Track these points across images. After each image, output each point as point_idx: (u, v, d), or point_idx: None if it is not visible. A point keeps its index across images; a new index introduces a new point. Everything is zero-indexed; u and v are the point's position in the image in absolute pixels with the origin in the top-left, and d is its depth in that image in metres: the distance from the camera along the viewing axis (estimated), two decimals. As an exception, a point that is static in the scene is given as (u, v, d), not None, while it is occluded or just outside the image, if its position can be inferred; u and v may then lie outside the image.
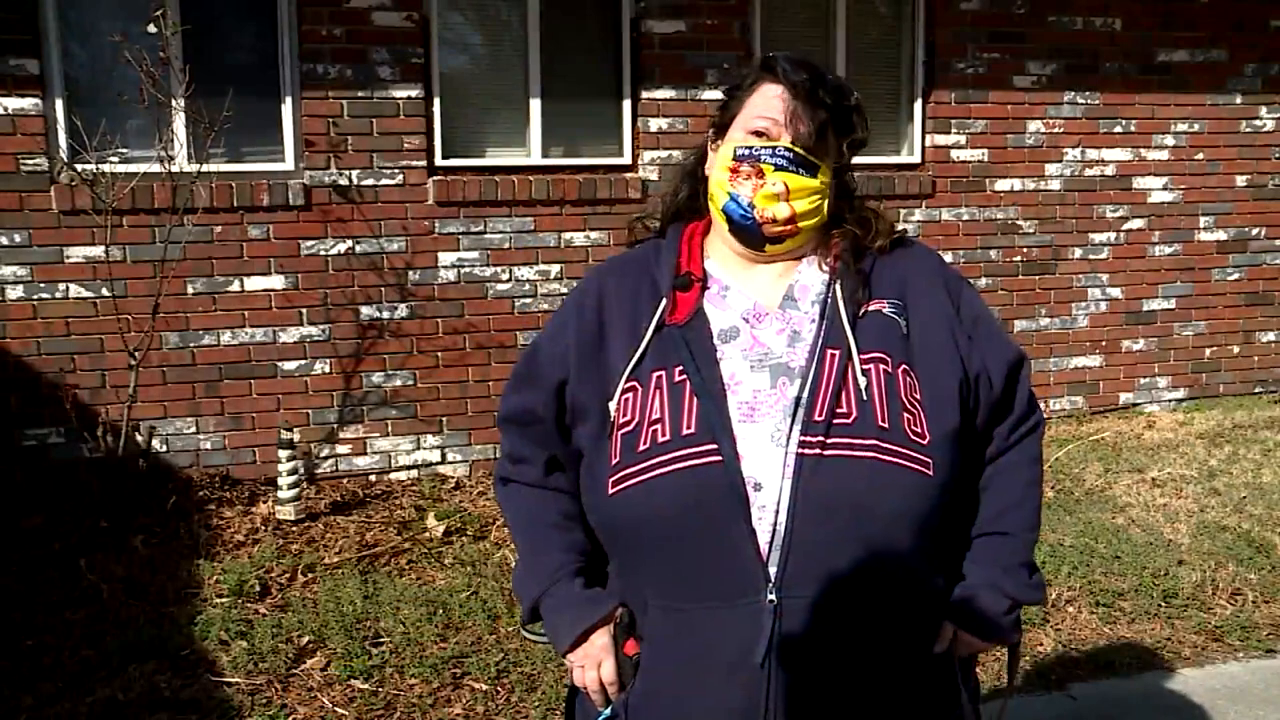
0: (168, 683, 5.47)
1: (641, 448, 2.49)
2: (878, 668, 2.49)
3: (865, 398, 2.47)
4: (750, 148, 2.60)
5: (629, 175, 8.88)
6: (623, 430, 2.53)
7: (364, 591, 6.43)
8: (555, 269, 8.76)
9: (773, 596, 2.40)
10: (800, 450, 2.43)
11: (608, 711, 2.64)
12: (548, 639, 2.74)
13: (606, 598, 2.66)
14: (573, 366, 2.64)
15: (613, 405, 2.56)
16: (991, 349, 2.67)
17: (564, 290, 8.65)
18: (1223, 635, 6.12)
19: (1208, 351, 10.64)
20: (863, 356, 2.51)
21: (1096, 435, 9.54)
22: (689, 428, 2.46)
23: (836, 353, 2.52)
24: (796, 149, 2.58)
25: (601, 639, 2.62)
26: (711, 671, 2.46)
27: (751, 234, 2.63)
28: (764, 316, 2.61)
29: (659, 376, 2.53)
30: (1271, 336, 10.79)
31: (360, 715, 5.27)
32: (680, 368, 2.52)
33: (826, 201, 2.66)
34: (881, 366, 2.52)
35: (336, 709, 5.32)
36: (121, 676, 5.50)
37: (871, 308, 2.60)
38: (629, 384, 2.56)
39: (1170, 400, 10.55)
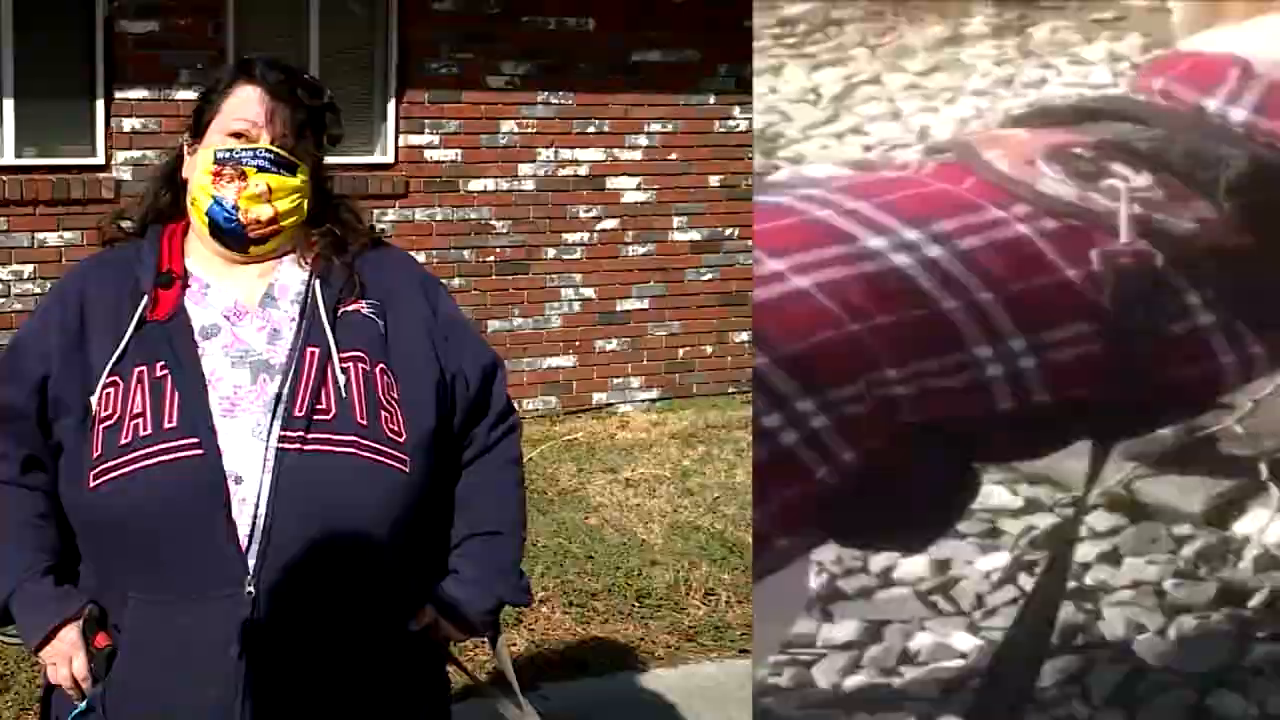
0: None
1: (123, 441, 2.56)
2: (351, 661, 2.65)
3: (344, 395, 2.62)
4: (231, 150, 2.70)
5: (102, 175, 8.73)
6: (104, 424, 2.59)
7: None
8: (29, 269, 8.56)
9: (251, 589, 2.52)
10: (281, 445, 2.57)
11: (82, 705, 2.69)
12: (20, 640, 2.75)
13: (76, 594, 2.71)
14: (55, 363, 2.67)
15: (94, 399, 2.61)
16: (467, 352, 2.87)
17: (39, 291, 8.39)
18: (696, 635, 6.27)
19: (681, 352, 10.93)
20: (342, 355, 2.66)
21: (570, 435, 9.69)
22: (170, 422, 2.56)
23: (316, 351, 2.66)
24: (277, 150, 2.71)
25: (71, 635, 2.66)
26: (190, 663, 2.56)
27: (236, 236, 2.73)
28: (244, 314, 2.73)
29: (141, 372, 2.61)
30: (744, 337, 11.03)
31: None
32: (162, 363, 2.61)
33: (307, 200, 2.80)
34: (360, 365, 2.67)
35: None
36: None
37: (350, 308, 2.75)
38: (110, 379, 2.61)
39: (644, 400, 10.79)
